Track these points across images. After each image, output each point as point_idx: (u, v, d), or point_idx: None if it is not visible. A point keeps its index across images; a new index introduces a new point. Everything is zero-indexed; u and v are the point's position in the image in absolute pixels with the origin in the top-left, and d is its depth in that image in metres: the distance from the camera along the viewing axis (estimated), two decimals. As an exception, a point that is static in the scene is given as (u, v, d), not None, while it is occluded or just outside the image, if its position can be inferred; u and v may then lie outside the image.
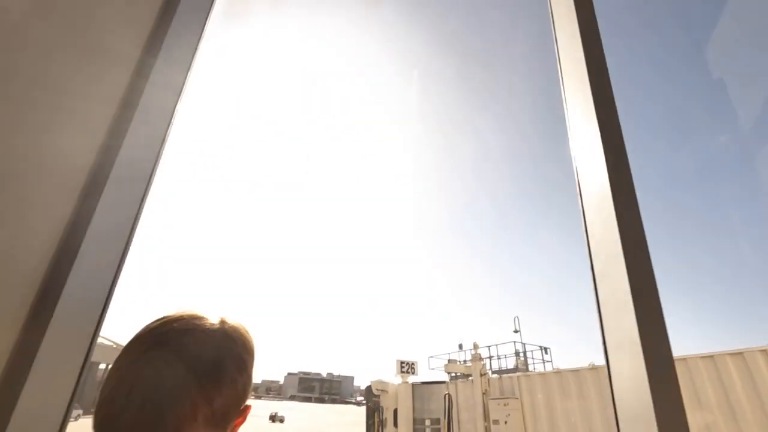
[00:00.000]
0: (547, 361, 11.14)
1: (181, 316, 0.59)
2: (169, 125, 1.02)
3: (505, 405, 8.13)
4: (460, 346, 11.75)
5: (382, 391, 9.47)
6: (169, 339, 0.54)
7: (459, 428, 8.73)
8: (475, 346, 9.88)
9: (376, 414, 9.30)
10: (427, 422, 9.16)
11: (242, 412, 0.63)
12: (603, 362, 0.68)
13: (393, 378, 9.93)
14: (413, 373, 10.21)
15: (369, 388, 9.63)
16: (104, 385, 0.52)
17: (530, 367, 10.72)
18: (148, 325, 0.57)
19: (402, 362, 10.21)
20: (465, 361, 10.45)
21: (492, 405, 8.32)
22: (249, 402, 0.62)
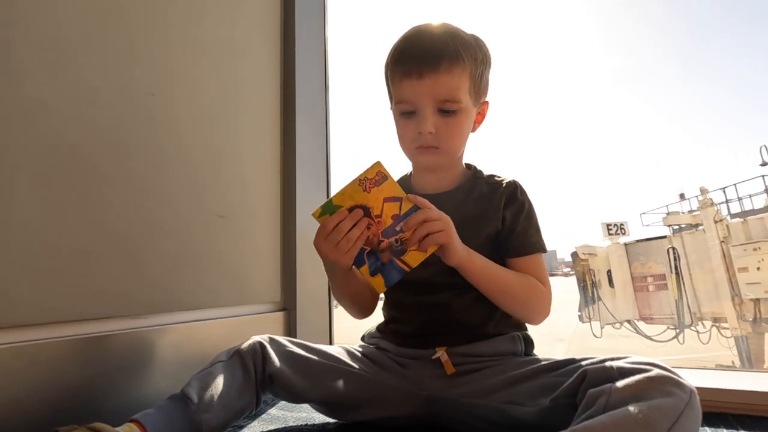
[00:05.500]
0: (821, 191, 8.56)
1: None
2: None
3: (754, 250, 6.79)
4: (682, 196, 10.03)
5: (589, 254, 9.11)
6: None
7: (692, 281, 7.83)
8: (703, 191, 8.29)
9: (587, 277, 9.12)
10: (649, 279, 8.51)
11: (483, 105, 0.80)
12: None
13: (600, 242, 9.38)
14: (624, 234, 9.39)
15: (575, 253, 9.39)
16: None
17: (791, 203, 8.47)
18: None
19: (608, 224, 9.46)
20: (690, 211, 8.96)
21: (736, 252, 7.06)
22: None
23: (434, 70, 0.69)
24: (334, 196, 0.65)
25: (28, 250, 0.66)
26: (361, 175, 0.64)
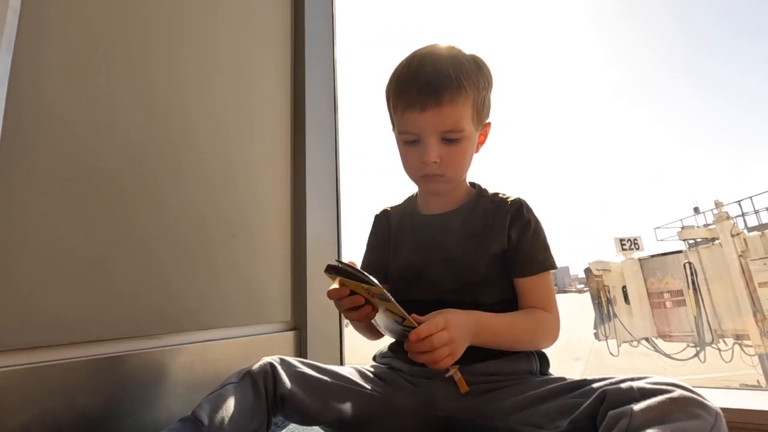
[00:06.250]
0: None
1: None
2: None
3: (775, 264, 6.61)
4: (696, 210, 9.88)
5: (603, 270, 8.95)
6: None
7: (710, 296, 7.62)
8: (718, 205, 8.15)
9: (601, 293, 8.93)
10: (666, 295, 8.30)
11: (486, 127, 0.80)
12: None
13: (614, 258, 9.21)
14: (637, 249, 9.23)
15: (588, 269, 9.23)
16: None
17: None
18: None
19: (621, 240, 9.31)
20: (706, 225, 8.79)
21: (756, 266, 6.88)
22: None
23: (437, 102, 0.69)
24: (338, 280, 0.62)
25: (44, 266, 0.67)
26: (364, 284, 0.60)
